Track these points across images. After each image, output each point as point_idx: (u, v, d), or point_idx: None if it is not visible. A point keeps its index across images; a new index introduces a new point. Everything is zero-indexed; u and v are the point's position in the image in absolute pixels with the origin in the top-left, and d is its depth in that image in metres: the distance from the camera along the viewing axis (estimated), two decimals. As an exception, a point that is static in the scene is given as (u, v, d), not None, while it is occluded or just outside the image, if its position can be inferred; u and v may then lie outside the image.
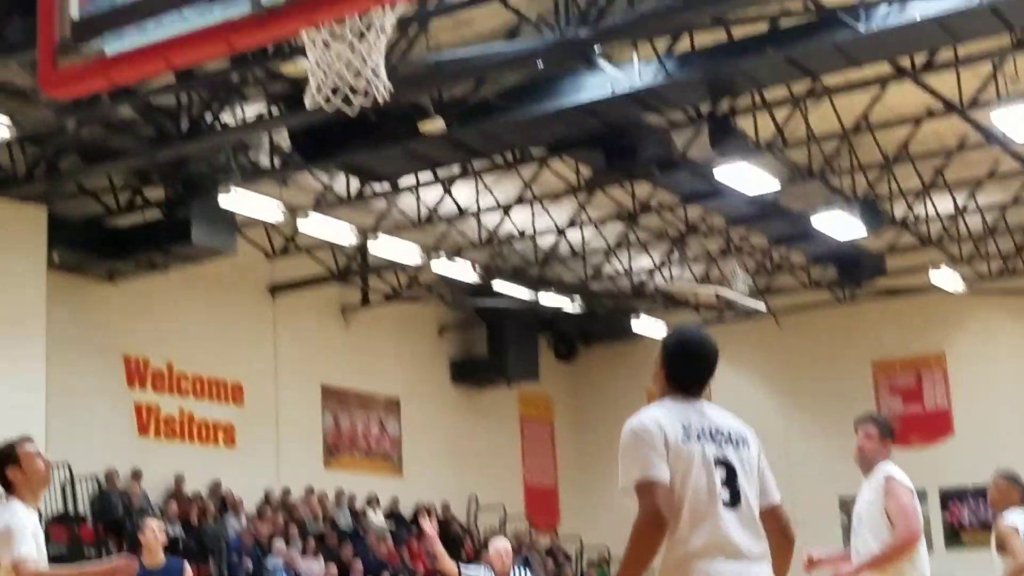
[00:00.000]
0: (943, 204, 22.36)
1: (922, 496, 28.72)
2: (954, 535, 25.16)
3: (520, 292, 24.31)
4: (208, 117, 15.98)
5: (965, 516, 25.59)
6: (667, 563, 4.61)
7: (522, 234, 22.43)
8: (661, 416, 4.77)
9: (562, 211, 22.29)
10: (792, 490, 27.93)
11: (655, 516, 4.54)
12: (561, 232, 22.92)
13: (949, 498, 26.28)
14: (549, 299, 25.04)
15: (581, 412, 29.80)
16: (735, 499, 4.74)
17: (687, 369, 4.99)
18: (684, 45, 15.32)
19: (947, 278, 24.55)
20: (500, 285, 23.94)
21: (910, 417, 26.98)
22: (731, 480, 4.77)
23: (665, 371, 4.98)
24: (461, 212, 21.07)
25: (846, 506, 27.11)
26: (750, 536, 4.71)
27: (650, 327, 27.17)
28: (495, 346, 26.64)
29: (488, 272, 23.54)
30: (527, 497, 28.17)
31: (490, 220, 22.06)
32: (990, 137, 18.69)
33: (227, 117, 16.39)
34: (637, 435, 4.71)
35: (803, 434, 27.82)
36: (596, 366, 29.82)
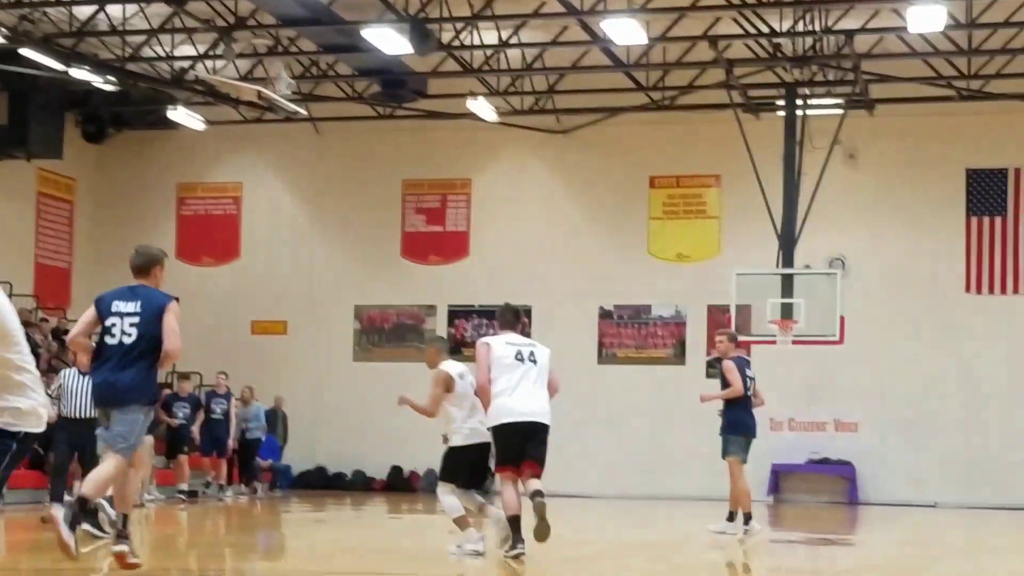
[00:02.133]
0: (489, 35, 22.83)
1: (432, 310, 29.74)
2: (456, 349, 26.20)
3: (49, 62, 22.91)
4: None
5: (468, 331, 26.70)
6: None
7: (58, 0, 21.13)
8: None
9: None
10: (312, 294, 28.54)
11: None
12: (101, 4, 21.74)
13: (456, 315, 27.35)
14: (81, 74, 23.80)
15: (106, 196, 28.82)
16: None
17: None
18: None
19: (483, 108, 25.13)
20: (28, 52, 22.44)
21: (431, 236, 27.79)
22: None
23: None
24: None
25: (359, 312, 27.78)
26: None
27: (187, 118, 26.44)
28: (16, 117, 24.94)
29: (16, 36, 22.03)
30: (37, 276, 27.15)
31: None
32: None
33: None
34: None
35: (328, 242, 28.12)
36: (126, 151, 28.83)
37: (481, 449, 11.29)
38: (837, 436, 25.62)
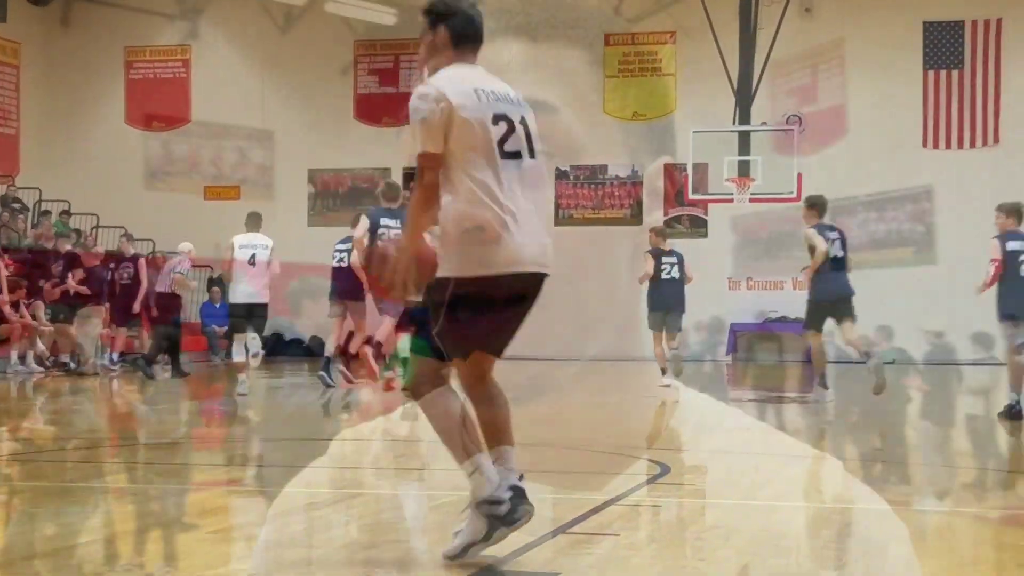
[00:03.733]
0: None
1: (386, 173, 29.30)
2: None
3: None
4: None
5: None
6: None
7: None
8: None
9: None
10: (265, 157, 28.08)
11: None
12: None
13: (411, 178, 27.06)
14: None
15: (52, 60, 28.19)
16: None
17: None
18: None
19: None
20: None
21: (385, 98, 27.37)
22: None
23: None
24: None
25: (313, 176, 27.50)
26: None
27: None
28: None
29: None
30: (-14, 144, 26.76)
31: None
32: None
33: None
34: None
35: (279, 104, 27.67)
36: (71, 13, 28.14)
37: (244, 308, 15.29)
38: (795, 295, 25.62)
